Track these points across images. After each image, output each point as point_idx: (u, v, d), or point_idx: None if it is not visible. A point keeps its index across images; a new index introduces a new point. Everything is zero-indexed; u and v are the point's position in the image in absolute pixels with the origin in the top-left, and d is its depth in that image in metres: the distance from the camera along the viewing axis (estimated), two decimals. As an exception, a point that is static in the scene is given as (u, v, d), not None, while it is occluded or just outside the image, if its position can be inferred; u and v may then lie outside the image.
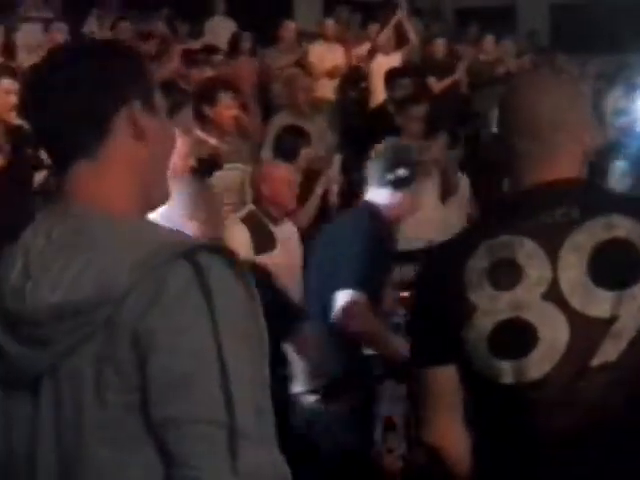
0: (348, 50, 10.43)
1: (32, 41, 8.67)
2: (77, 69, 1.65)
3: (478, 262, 2.00)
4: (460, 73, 10.20)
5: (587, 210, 1.99)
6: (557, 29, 15.10)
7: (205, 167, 5.41)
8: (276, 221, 5.35)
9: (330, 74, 9.93)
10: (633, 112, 9.03)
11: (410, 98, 7.25)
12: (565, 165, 2.05)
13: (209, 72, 8.18)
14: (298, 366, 4.19)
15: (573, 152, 2.07)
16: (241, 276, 1.58)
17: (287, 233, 5.43)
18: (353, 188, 6.22)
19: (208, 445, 1.49)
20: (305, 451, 3.87)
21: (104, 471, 1.56)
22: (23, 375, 1.61)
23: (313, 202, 6.05)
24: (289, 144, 6.36)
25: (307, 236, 5.51)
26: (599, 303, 1.95)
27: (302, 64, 9.81)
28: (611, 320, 1.94)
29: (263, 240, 5.20)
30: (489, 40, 11.08)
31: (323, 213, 6.17)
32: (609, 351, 1.94)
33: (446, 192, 6.69)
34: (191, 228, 3.06)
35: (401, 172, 4.13)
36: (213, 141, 6.15)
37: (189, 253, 1.54)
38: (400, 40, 10.34)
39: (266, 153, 7.17)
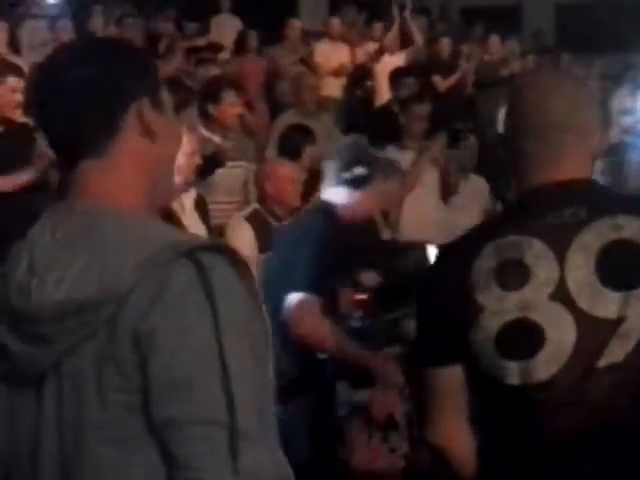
0: (354, 49, 10.43)
1: (37, 39, 8.67)
2: (86, 67, 1.65)
3: (485, 262, 1.99)
4: (465, 72, 10.17)
5: (594, 210, 1.99)
6: (562, 29, 15.09)
7: (208, 165, 5.42)
8: (280, 220, 5.35)
9: (336, 73, 9.94)
10: (638, 112, 9.04)
11: (413, 97, 7.26)
12: (573, 166, 2.05)
13: (215, 70, 8.19)
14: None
15: (581, 153, 2.06)
16: (244, 275, 1.58)
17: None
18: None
19: (209, 446, 1.49)
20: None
21: (105, 471, 1.56)
22: (27, 373, 1.61)
23: (317, 200, 6.06)
24: (294, 143, 6.36)
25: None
26: (606, 304, 1.94)
27: (307, 63, 9.82)
28: (618, 321, 1.93)
29: (267, 239, 5.20)
30: (494, 40, 11.07)
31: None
32: (616, 352, 1.93)
33: (447, 192, 6.69)
34: None
35: (359, 171, 4.00)
36: (217, 139, 6.16)
37: (192, 252, 1.54)
38: (405, 40, 10.34)
39: (271, 152, 7.18)
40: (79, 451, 1.56)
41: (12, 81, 5.49)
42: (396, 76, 8.40)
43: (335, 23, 10.55)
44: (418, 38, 10.50)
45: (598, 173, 5.14)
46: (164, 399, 1.50)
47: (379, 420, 4.85)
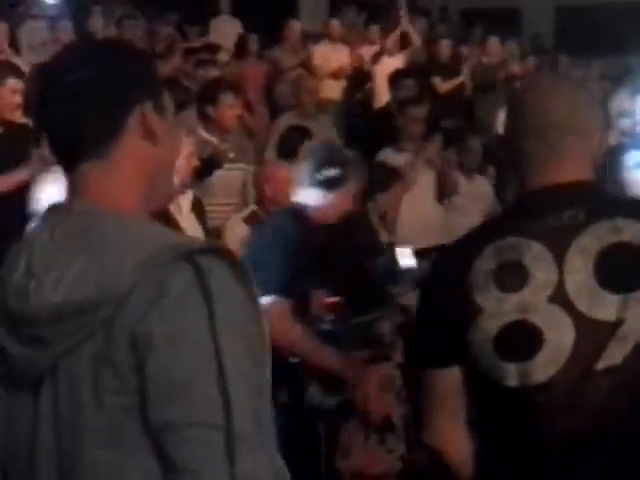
0: (353, 51, 10.43)
1: (36, 39, 8.67)
2: (89, 70, 1.66)
3: (484, 264, 1.99)
4: (465, 75, 10.18)
5: (593, 213, 1.99)
6: (562, 31, 15.10)
7: (206, 167, 5.42)
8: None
9: (335, 75, 9.93)
10: (637, 114, 9.05)
11: (411, 99, 7.27)
12: (573, 168, 2.05)
13: (214, 72, 8.20)
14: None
15: (581, 155, 2.06)
16: (242, 278, 1.58)
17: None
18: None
19: (206, 449, 1.48)
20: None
21: (101, 473, 1.55)
22: (25, 375, 1.61)
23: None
24: (292, 144, 6.37)
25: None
26: (605, 306, 1.94)
27: (307, 64, 9.82)
28: (617, 323, 1.94)
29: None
30: (493, 42, 11.07)
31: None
32: (614, 354, 1.93)
33: (443, 193, 6.68)
34: None
35: (331, 172, 3.95)
36: (216, 141, 6.16)
37: (190, 255, 1.54)
38: (404, 41, 10.34)
39: (270, 153, 7.19)
40: (76, 453, 1.56)
41: (12, 82, 5.49)
42: (396, 78, 8.41)
43: (335, 25, 10.55)
44: (416, 40, 10.50)
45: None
46: (161, 402, 1.50)
47: (376, 422, 4.86)
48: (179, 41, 10.06)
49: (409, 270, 5.07)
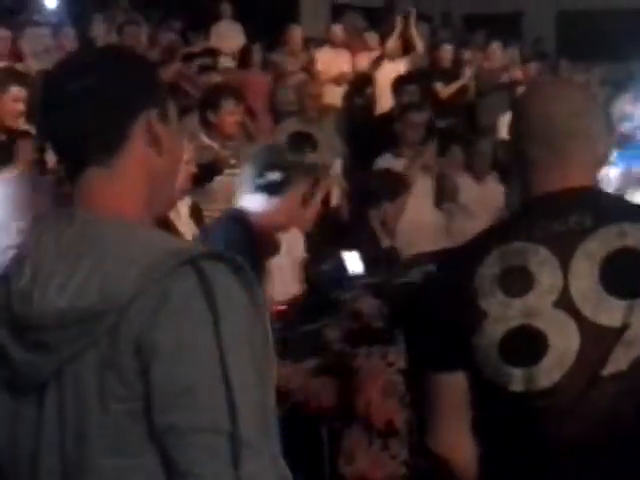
0: (355, 56, 10.43)
1: (39, 46, 8.68)
2: (91, 77, 1.66)
3: (489, 269, 1.99)
4: (467, 79, 10.18)
5: (599, 218, 1.99)
6: (564, 36, 15.11)
7: (205, 173, 5.43)
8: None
9: (337, 80, 9.94)
10: (638, 119, 9.07)
11: (410, 105, 7.27)
12: (578, 173, 2.05)
13: (217, 78, 8.22)
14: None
15: (586, 160, 2.06)
16: (245, 283, 1.59)
17: (292, 238, 5.44)
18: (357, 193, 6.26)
19: (211, 454, 1.49)
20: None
21: (106, 477, 1.55)
22: (29, 381, 1.61)
23: (313, 208, 6.07)
24: (296, 150, 6.38)
25: (310, 240, 5.55)
26: (611, 312, 1.94)
27: (308, 70, 9.83)
28: (622, 329, 1.93)
29: (267, 245, 5.21)
30: (495, 47, 11.07)
31: (325, 216, 6.18)
32: (620, 360, 1.93)
33: (441, 197, 6.67)
34: (14, 230, 2.95)
35: (274, 176, 3.83)
36: (218, 147, 6.17)
37: (194, 260, 1.54)
38: (406, 47, 10.34)
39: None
40: (80, 458, 1.56)
41: (14, 90, 5.50)
42: (399, 83, 8.41)
43: (337, 30, 10.55)
44: (419, 45, 10.50)
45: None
46: (166, 407, 1.50)
47: (379, 427, 4.85)
48: (181, 47, 10.07)
49: (358, 275, 4.93)
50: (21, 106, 5.53)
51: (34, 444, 1.62)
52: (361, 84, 9.92)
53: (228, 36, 10.75)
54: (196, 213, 5.14)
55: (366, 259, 5.17)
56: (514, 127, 2.13)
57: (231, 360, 1.51)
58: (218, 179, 5.99)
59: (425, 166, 6.61)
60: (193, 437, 1.49)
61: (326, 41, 10.60)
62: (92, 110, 1.64)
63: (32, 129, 5.74)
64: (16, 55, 8.56)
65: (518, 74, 10.91)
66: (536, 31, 14.65)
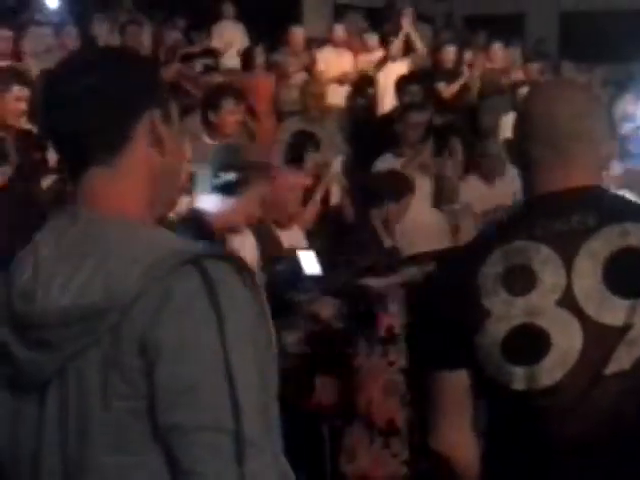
0: (357, 56, 10.43)
1: (41, 45, 8.68)
2: (93, 77, 1.65)
3: (492, 268, 1.99)
4: (467, 77, 10.16)
5: (602, 217, 1.99)
6: (566, 37, 15.10)
7: None
8: (283, 226, 5.38)
9: (338, 80, 9.94)
10: (639, 119, 9.08)
11: (412, 105, 7.25)
12: (581, 173, 2.05)
13: (219, 78, 8.22)
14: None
15: (589, 161, 2.07)
16: (249, 282, 1.59)
17: (294, 238, 5.45)
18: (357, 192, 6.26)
19: (214, 452, 1.49)
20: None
21: (108, 476, 1.56)
22: (31, 379, 1.61)
23: (312, 206, 6.09)
24: (297, 149, 6.39)
25: (310, 239, 5.56)
26: (614, 311, 1.94)
27: (310, 70, 9.83)
28: (625, 328, 1.93)
29: (269, 245, 5.23)
30: (497, 48, 11.07)
31: (325, 215, 6.18)
32: (623, 359, 1.93)
33: (439, 197, 6.65)
34: None
35: (229, 176, 3.79)
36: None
37: (197, 260, 1.55)
38: (408, 47, 10.34)
39: (275, 159, 7.21)
40: (82, 456, 1.56)
41: (16, 89, 5.50)
42: (402, 83, 8.40)
43: (339, 30, 10.55)
44: (420, 46, 10.50)
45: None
46: (170, 406, 1.50)
47: (380, 425, 4.86)
48: (184, 46, 10.07)
49: (314, 276, 4.89)
50: (23, 105, 5.52)
51: (36, 442, 1.62)
52: (363, 84, 9.92)
53: (230, 36, 10.74)
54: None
55: (368, 259, 5.17)
56: (518, 127, 2.14)
57: (235, 359, 1.51)
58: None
59: (422, 165, 6.59)
60: (196, 435, 1.49)
61: (328, 41, 10.60)
62: (94, 110, 1.64)
63: (34, 128, 5.76)
64: (18, 55, 8.56)
65: (520, 75, 10.91)
66: (538, 32, 14.64)
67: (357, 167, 7.42)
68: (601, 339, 1.94)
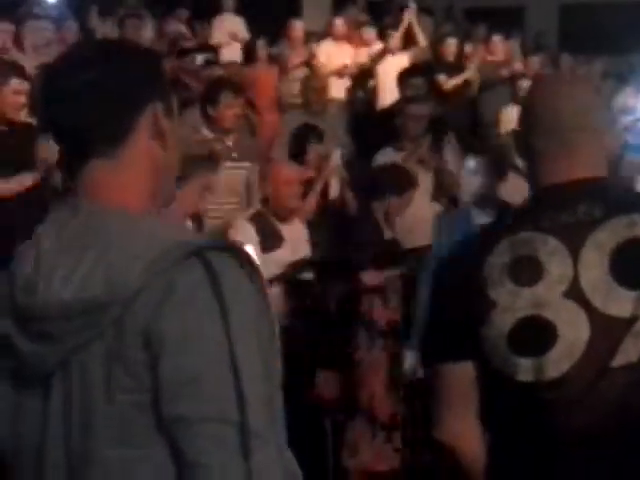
0: (357, 49, 10.42)
1: (41, 39, 8.65)
2: (97, 70, 1.65)
3: (498, 258, 1.99)
4: (471, 72, 10.15)
5: (609, 209, 1.99)
6: (566, 29, 15.09)
7: None
8: (283, 220, 5.37)
9: (338, 73, 9.93)
10: (639, 111, 9.07)
11: (413, 97, 7.23)
12: (586, 165, 2.06)
13: (219, 72, 8.21)
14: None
15: (594, 152, 2.07)
16: (252, 274, 1.59)
17: (295, 231, 5.45)
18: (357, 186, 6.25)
19: (219, 443, 1.49)
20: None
21: (111, 470, 1.56)
22: (35, 372, 1.61)
23: (311, 198, 6.08)
24: (300, 142, 6.39)
25: (311, 232, 5.56)
26: (621, 302, 1.94)
27: (310, 63, 9.82)
28: (632, 320, 1.93)
29: (270, 238, 5.23)
30: (496, 40, 11.06)
31: (325, 207, 6.17)
32: (630, 351, 1.93)
33: (439, 191, 6.63)
34: None
35: None
36: (218, 140, 6.17)
37: (200, 252, 1.55)
38: (409, 40, 10.32)
39: (277, 152, 7.20)
40: (86, 449, 1.56)
41: (15, 83, 5.49)
42: (404, 76, 8.37)
43: (338, 24, 10.54)
44: (422, 39, 10.48)
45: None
46: (174, 398, 1.51)
47: (383, 420, 4.86)
48: (186, 39, 10.06)
49: None
50: (22, 99, 5.51)
51: (39, 436, 1.62)
52: (363, 77, 9.90)
53: (230, 29, 10.73)
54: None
55: (371, 251, 5.16)
56: (522, 120, 2.14)
57: (239, 350, 1.51)
58: (220, 172, 5.99)
59: (420, 160, 6.57)
60: (201, 427, 1.49)
61: (327, 34, 10.58)
62: (94, 103, 1.64)
63: (35, 122, 5.74)
64: (18, 48, 8.55)
65: (520, 67, 10.90)
66: (538, 24, 14.64)
67: (358, 160, 7.41)
68: (608, 331, 1.93)
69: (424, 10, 11.40)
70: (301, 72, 9.11)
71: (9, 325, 1.63)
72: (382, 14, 11.63)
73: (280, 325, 1.69)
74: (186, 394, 1.50)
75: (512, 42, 11.60)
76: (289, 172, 5.49)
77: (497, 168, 4.70)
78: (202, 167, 4.13)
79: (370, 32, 10.67)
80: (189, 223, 4.86)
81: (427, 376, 2.15)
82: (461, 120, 9.09)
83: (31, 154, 5.39)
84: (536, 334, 1.96)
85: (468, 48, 10.70)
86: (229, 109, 6.21)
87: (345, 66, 10.05)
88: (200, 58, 8.84)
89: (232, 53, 10.30)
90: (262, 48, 9.74)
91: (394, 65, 9.33)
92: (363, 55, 10.32)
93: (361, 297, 5.03)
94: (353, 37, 10.61)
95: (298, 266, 5.16)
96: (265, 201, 5.44)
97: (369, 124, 8.40)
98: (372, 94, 9.78)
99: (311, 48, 10.24)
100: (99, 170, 1.66)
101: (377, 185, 5.60)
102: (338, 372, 5.05)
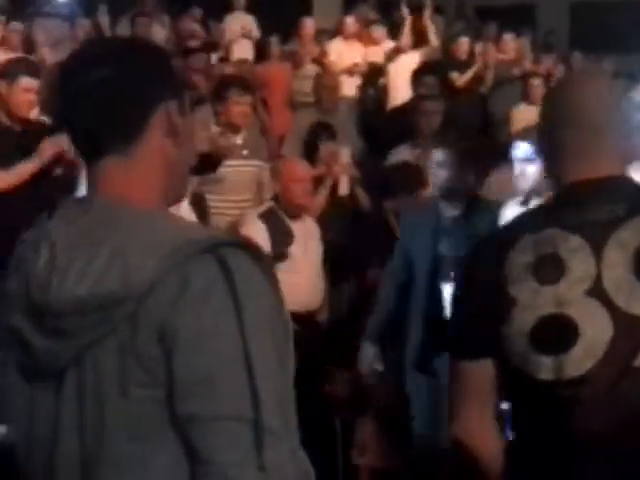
0: (367, 47, 10.41)
1: (52, 37, 8.68)
2: (110, 68, 1.65)
3: (521, 256, 1.98)
4: (481, 68, 10.12)
5: (632, 208, 1.98)
6: (577, 28, 15.06)
7: (203, 164, 5.39)
8: (294, 217, 5.38)
9: (349, 71, 9.92)
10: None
11: (425, 95, 7.22)
12: (608, 163, 2.05)
13: (230, 69, 8.21)
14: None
15: (616, 151, 2.06)
16: (266, 271, 1.58)
17: (306, 229, 5.45)
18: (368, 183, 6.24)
19: (233, 441, 1.49)
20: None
21: (125, 465, 1.55)
22: (48, 368, 1.61)
23: (321, 196, 6.08)
24: (312, 140, 6.38)
25: (323, 229, 5.56)
26: None
27: (320, 61, 9.81)
28: None
29: (281, 236, 5.23)
30: (507, 38, 11.03)
31: (337, 204, 6.16)
32: None
33: None
34: None
35: None
36: (227, 137, 6.17)
37: (214, 248, 1.54)
38: (420, 39, 10.31)
39: (287, 149, 7.20)
40: (100, 445, 1.56)
41: (25, 80, 5.46)
42: (418, 74, 8.35)
43: (349, 22, 10.53)
44: (433, 38, 10.47)
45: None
46: (188, 395, 1.50)
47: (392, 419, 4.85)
48: (199, 38, 10.06)
49: None
50: (32, 96, 5.48)
51: (52, 430, 1.62)
52: (374, 75, 9.89)
53: (241, 27, 10.73)
54: (198, 202, 5.13)
55: (382, 249, 5.16)
56: (546, 117, 2.13)
57: (253, 347, 1.51)
58: (230, 170, 6.00)
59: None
60: (215, 425, 1.49)
61: (338, 32, 10.58)
62: (107, 101, 1.64)
63: (47, 120, 5.74)
64: (29, 47, 8.57)
65: (530, 66, 10.87)
66: (549, 23, 14.61)
67: (369, 158, 7.40)
68: (631, 330, 1.92)
69: (435, 9, 11.38)
70: (313, 70, 9.09)
71: (20, 320, 1.63)
72: (393, 12, 11.60)
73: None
74: (200, 392, 1.50)
75: (523, 40, 11.57)
76: (299, 169, 5.49)
77: (466, 161, 4.67)
78: None
79: (380, 30, 10.66)
80: (189, 208, 4.87)
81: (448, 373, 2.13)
82: (472, 119, 9.08)
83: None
84: (558, 332, 1.95)
85: (479, 47, 10.68)
86: (236, 106, 6.19)
87: (355, 64, 10.04)
88: (214, 57, 8.85)
89: (243, 51, 10.30)
90: (275, 45, 9.73)
91: (405, 63, 9.32)
92: (373, 53, 10.31)
93: (371, 295, 5.03)
94: (363, 35, 10.60)
95: None
96: (276, 198, 5.44)
97: (380, 122, 8.38)
98: (383, 92, 9.76)
99: (322, 46, 10.24)
100: (112, 167, 1.66)
101: (389, 183, 5.60)
102: (348, 370, 5.05)
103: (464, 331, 2.06)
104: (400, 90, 8.98)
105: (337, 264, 5.39)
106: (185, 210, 4.82)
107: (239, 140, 6.24)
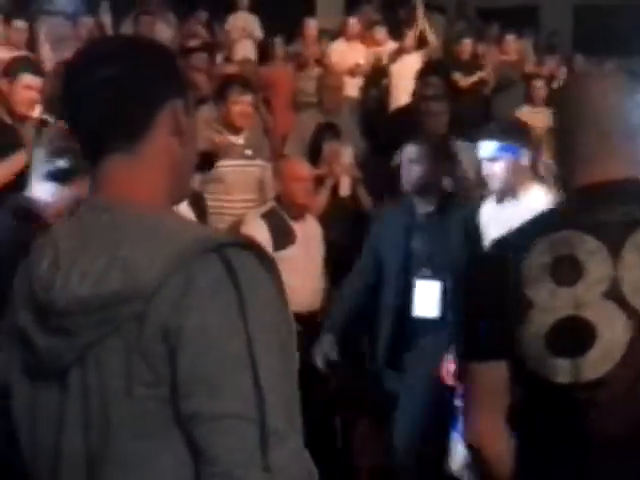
0: (369, 49, 10.41)
1: (55, 35, 8.68)
2: (116, 67, 1.66)
3: (537, 257, 1.97)
4: (487, 72, 10.12)
5: None
6: (580, 30, 15.06)
7: (200, 161, 5.39)
8: (296, 217, 5.38)
9: (351, 72, 9.92)
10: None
11: (429, 95, 7.22)
12: (624, 165, 2.04)
13: (232, 69, 8.21)
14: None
15: (631, 153, 2.05)
16: (270, 271, 1.58)
17: (308, 229, 5.45)
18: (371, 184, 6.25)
19: (238, 441, 1.48)
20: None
21: (130, 464, 1.55)
22: (52, 367, 1.61)
23: (322, 196, 6.08)
24: (317, 140, 6.39)
25: (325, 229, 5.56)
26: None
27: (323, 62, 9.81)
28: None
29: (282, 236, 5.23)
30: (509, 40, 11.03)
31: (339, 204, 6.17)
32: None
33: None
34: None
35: (61, 163, 3.46)
36: (229, 136, 6.18)
37: (219, 248, 1.54)
38: (422, 40, 10.31)
39: (289, 149, 7.20)
40: (105, 444, 1.56)
41: (26, 78, 5.45)
42: (422, 75, 8.35)
43: (351, 22, 10.53)
44: (433, 38, 10.47)
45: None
46: (192, 393, 1.50)
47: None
48: (201, 38, 10.07)
49: None
50: (34, 94, 5.47)
51: (56, 429, 1.62)
52: (376, 76, 9.89)
53: (244, 28, 10.74)
54: (197, 201, 5.14)
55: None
56: (559, 119, 2.13)
57: (258, 347, 1.51)
58: (232, 169, 6.00)
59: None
60: (220, 424, 1.49)
61: (340, 33, 10.58)
62: (112, 100, 1.65)
63: (50, 118, 5.73)
64: (32, 45, 8.57)
65: (533, 67, 10.88)
66: (552, 24, 14.61)
67: (372, 158, 7.40)
68: None
69: (436, 8, 11.39)
70: (316, 71, 9.09)
71: (24, 318, 1.63)
72: (396, 12, 11.60)
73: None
74: (203, 390, 1.50)
75: (525, 42, 11.57)
76: (299, 169, 5.49)
77: (437, 155, 4.67)
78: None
79: (382, 31, 10.66)
80: (188, 207, 4.87)
81: (462, 374, 2.12)
82: (475, 120, 9.08)
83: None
84: (575, 335, 1.94)
85: (481, 48, 10.67)
86: (236, 105, 6.18)
87: (358, 65, 10.04)
88: (219, 57, 8.85)
89: (246, 51, 10.31)
90: (279, 46, 9.72)
91: (407, 64, 9.33)
92: (375, 54, 10.31)
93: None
94: (366, 36, 10.60)
95: None
96: (278, 199, 5.44)
97: (383, 123, 8.38)
98: (385, 93, 9.76)
99: (324, 46, 10.24)
100: (116, 166, 1.66)
101: (392, 183, 5.59)
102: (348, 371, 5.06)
103: (480, 334, 2.04)
104: (403, 90, 8.98)
105: (338, 264, 5.39)
106: (184, 209, 4.83)
107: (241, 140, 6.24)
